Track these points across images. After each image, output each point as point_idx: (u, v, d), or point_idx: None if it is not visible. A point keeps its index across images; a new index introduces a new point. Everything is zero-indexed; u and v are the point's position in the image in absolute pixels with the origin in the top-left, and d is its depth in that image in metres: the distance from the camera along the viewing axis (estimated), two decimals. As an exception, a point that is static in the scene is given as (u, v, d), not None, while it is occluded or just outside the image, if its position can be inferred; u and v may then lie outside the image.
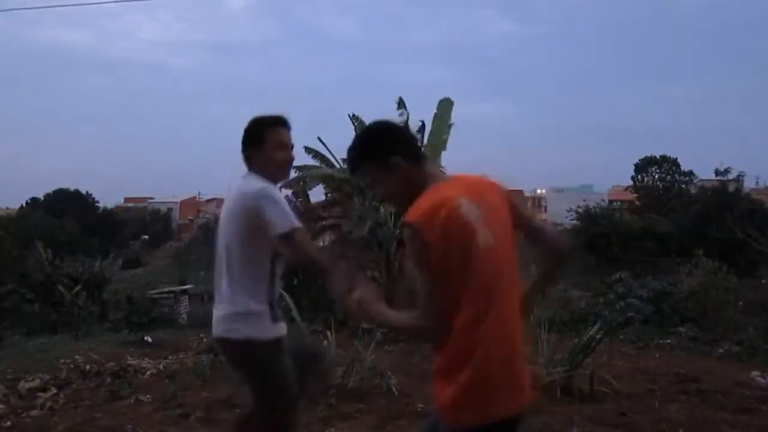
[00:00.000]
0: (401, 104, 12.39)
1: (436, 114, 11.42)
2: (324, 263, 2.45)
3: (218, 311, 2.61)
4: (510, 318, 1.77)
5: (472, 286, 1.71)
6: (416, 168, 1.89)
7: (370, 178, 1.95)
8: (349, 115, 12.39)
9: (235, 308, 2.54)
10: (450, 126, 11.24)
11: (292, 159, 2.68)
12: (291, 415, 2.70)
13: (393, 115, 12.25)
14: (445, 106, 11.60)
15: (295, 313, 5.59)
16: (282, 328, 2.62)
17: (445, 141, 11.10)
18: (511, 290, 1.80)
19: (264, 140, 2.60)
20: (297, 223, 2.45)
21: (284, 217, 2.43)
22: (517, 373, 1.77)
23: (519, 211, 1.92)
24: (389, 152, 1.87)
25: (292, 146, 2.68)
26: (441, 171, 1.76)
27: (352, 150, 1.96)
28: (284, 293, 6.07)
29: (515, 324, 1.79)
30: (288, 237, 2.41)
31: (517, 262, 1.85)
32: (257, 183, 2.52)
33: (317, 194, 12.18)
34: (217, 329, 2.59)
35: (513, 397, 1.76)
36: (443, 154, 10.97)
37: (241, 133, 2.66)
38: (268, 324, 2.54)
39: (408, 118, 12.49)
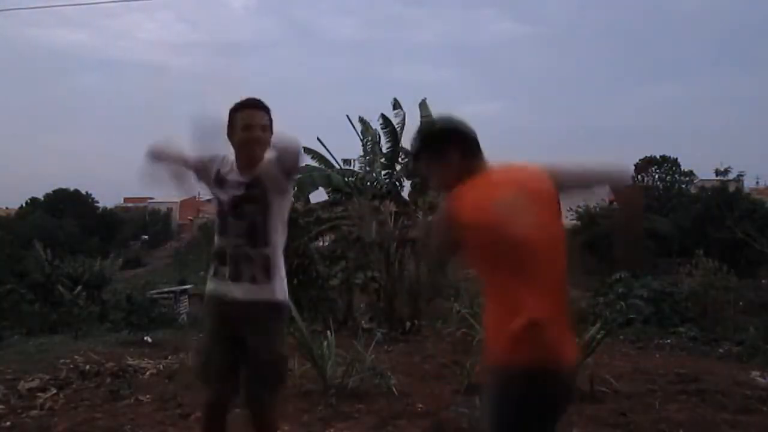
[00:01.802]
0: (397, 105, 12.42)
1: (421, 115, 11.63)
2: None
3: None
4: (550, 291, 1.88)
5: (507, 264, 1.87)
6: (469, 160, 2.05)
7: (426, 168, 2.14)
8: (348, 116, 12.41)
9: None
10: None
11: (254, 138, 2.62)
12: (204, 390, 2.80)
13: (389, 116, 12.27)
14: (423, 106, 11.88)
15: (295, 312, 5.58)
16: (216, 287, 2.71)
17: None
18: (553, 266, 1.93)
19: (234, 126, 2.64)
20: None
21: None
22: (560, 334, 1.88)
23: (565, 178, 2.06)
24: (446, 147, 2.05)
25: (264, 126, 2.65)
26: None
27: (413, 144, 2.18)
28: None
29: (556, 297, 1.91)
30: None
31: (562, 240, 2.01)
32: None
33: (318, 195, 12.17)
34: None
35: (559, 353, 1.85)
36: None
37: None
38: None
39: (404, 118, 12.51)
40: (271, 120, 2.69)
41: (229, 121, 2.66)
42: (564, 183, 2.05)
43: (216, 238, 2.75)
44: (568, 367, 1.88)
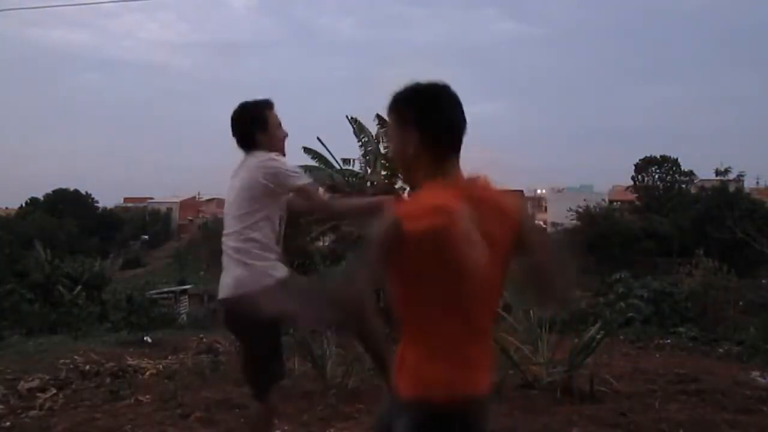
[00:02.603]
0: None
1: None
2: (332, 207, 3.30)
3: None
4: (481, 335, 1.74)
5: (447, 299, 1.65)
6: (431, 151, 1.67)
7: (388, 131, 1.97)
8: (347, 116, 12.40)
9: None
10: None
11: (285, 136, 2.94)
12: None
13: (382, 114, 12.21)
14: None
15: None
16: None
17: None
18: (487, 307, 1.74)
19: (267, 122, 2.86)
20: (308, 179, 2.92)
21: (299, 175, 2.84)
22: (481, 365, 1.72)
23: (526, 231, 1.74)
24: (409, 122, 1.68)
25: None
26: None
27: (394, 94, 1.75)
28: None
29: (485, 342, 1.76)
30: (303, 189, 2.82)
31: (502, 280, 1.74)
32: (268, 154, 2.81)
33: (317, 195, 12.16)
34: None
35: (478, 378, 1.70)
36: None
37: (238, 119, 2.87)
38: None
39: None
40: None
41: (261, 117, 2.86)
42: (524, 237, 1.72)
43: (273, 234, 2.84)
44: (482, 390, 1.72)
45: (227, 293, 2.71)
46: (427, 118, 1.67)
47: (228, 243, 2.76)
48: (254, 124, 2.83)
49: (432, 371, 1.64)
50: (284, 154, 2.92)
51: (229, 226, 2.79)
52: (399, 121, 1.71)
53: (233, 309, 2.75)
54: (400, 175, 2.25)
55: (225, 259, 2.76)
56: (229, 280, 2.71)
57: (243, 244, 2.70)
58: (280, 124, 2.91)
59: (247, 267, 2.68)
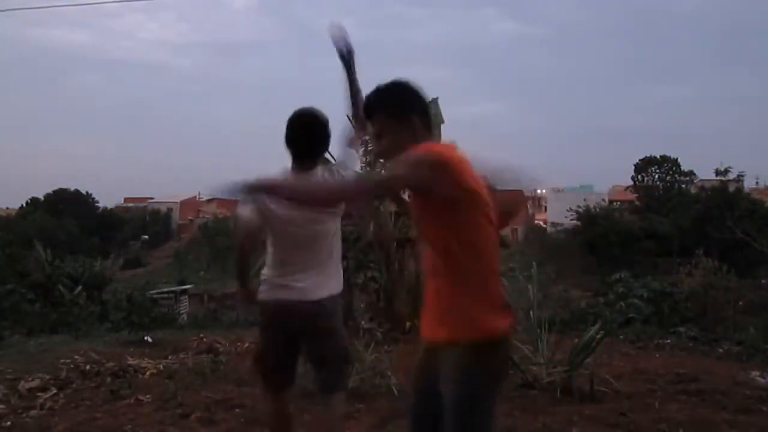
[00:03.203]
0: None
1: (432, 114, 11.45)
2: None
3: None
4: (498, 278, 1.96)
5: (481, 237, 1.85)
6: (426, 134, 1.95)
7: (379, 129, 1.97)
8: (348, 116, 12.36)
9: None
10: (440, 125, 11.30)
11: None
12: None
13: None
14: (434, 105, 11.68)
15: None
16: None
17: (438, 140, 11.17)
18: (497, 250, 1.95)
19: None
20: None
21: None
22: (505, 304, 1.97)
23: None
24: (409, 110, 1.94)
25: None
26: None
27: (371, 97, 2.00)
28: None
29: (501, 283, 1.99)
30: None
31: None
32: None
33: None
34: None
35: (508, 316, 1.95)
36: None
37: (307, 130, 2.89)
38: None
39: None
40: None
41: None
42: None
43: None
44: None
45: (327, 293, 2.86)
46: (419, 107, 1.97)
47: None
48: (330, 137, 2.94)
49: (482, 312, 1.84)
50: None
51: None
52: (394, 118, 1.93)
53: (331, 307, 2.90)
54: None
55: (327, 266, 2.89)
56: (334, 284, 2.91)
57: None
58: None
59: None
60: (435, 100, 12.37)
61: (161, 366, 6.13)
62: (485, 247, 1.86)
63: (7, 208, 50.72)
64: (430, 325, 1.96)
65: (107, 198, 66.30)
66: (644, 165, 43.91)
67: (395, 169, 1.81)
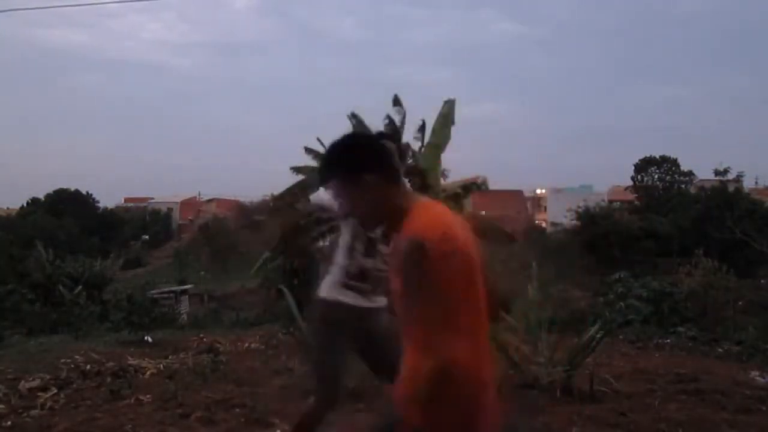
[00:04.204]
0: (397, 102, 12.34)
1: (440, 114, 11.37)
2: None
3: None
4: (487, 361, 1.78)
5: (468, 319, 1.69)
6: (391, 188, 1.78)
7: (336, 193, 1.84)
8: (348, 115, 12.38)
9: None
10: (451, 126, 11.22)
11: None
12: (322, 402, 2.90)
13: (390, 113, 12.20)
14: (449, 106, 11.56)
15: (295, 312, 5.59)
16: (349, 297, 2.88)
17: (447, 141, 11.08)
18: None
19: None
20: None
21: None
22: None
23: None
24: (360, 169, 1.77)
25: None
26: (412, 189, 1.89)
27: (323, 159, 1.90)
28: (285, 291, 6.09)
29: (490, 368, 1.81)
30: None
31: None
32: None
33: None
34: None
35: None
36: (443, 154, 10.93)
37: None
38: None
39: (404, 116, 12.45)
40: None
41: None
42: None
43: None
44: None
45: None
46: (374, 161, 1.78)
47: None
48: None
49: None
50: None
51: None
52: (347, 179, 1.78)
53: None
54: (378, 228, 2.21)
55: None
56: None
57: None
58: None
59: None
60: (452, 102, 12.32)
61: (161, 366, 6.14)
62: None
63: (8, 208, 50.71)
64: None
65: (107, 198, 66.32)
66: (644, 165, 43.88)
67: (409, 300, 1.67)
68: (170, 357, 6.80)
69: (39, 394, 5.00)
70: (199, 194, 64.22)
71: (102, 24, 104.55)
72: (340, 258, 2.93)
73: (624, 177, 45.58)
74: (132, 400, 4.79)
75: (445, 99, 11.63)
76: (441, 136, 11.07)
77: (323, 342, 2.94)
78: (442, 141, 11.06)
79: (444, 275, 1.63)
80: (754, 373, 5.86)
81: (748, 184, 44.49)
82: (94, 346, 7.49)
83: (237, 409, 4.42)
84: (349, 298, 2.89)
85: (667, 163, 43.59)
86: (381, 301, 2.97)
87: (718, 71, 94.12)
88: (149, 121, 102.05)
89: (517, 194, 47.41)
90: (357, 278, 2.89)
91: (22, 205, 48.94)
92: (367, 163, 1.78)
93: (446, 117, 11.38)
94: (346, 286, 2.89)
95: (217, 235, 39.26)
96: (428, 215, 1.72)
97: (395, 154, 1.90)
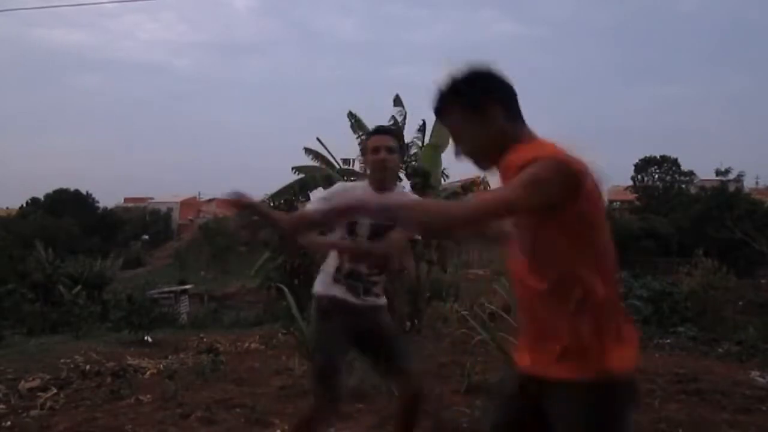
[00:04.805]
0: (398, 101, 12.36)
1: None
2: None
3: None
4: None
5: (605, 255, 1.59)
6: (513, 123, 1.65)
7: (456, 127, 1.69)
8: (347, 114, 12.38)
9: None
10: None
11: (379, 160, 2.83)
12: (320, 399, 2.83)
13: (390, 113, 12.21)
14: None
15: (295, 311, 5.60)
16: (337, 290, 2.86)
17: (448, 141, 11.10)
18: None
19: (365, 150, 2.95)
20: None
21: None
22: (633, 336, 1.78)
23: None
24: (486, 99, 1.62)
25: (388, 148, 2.84)
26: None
27: (442, 90, 1.69)
28: (285, 290, 6.09)
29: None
30: None
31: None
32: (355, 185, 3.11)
33: (317, 194, 12.19)
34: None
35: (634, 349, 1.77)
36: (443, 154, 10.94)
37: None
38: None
39: (405, 116, 12.47)
40: (399, 144, 2.98)
41: (362, 148, 3.12)
42: None
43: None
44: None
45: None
46: (500, 93, 1.65)
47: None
48: (362, 152, 3.13)
49: (611, 348, 1.59)
50: (379, 180, 2.84)
51: None
52: (473, 110, 1.64)
53: None
54: (482, 164, 2.01)
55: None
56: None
57: None
58: (375, 149, 2.83)
59: None
60: None
61: (161, 366, 6.15)
62: (607, 261, 1.60)
63: (7, 208, 50.72)
64: (536, 355, 1.67)
65: (107, 198, 66.37)
66: (644, 165, 43.90)
67: (515, 188, 1.48)
68: (170, 357, 6.81)
69: (39, 394, 5.00)
70: (199, 194, 64.26)
71: (101, 24, 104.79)
72: (332, 254, 2.93)
73: (624, 177, 45.65)
74: (132, 400, 4.79)
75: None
76: (440, 136, 11.09)
77: (321, 340, 2.92)
78: (445, 141, 11.07)
79: (585, 206, 1.51)
80: (754, 373, 5.85)
81: (748, 184, 44.60)
82: (94, 346, 7.49)
83: (237, 409, 4.42)
84: (341, 293, 2.86)
85: (667, 163, 43.62)
86: (378, 301, 2.95)
87: (719, 71, 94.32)
88: (149, 121, 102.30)
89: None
90: (350, 276, 2.87)
91: (22, 205, 48.97)
92: (492, 93, 1.64)
93: None
94: (339, 282, 2.88)
95: (217, 235, 39.29)
96: (548, 145, 1.61)
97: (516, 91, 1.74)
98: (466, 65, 1.68)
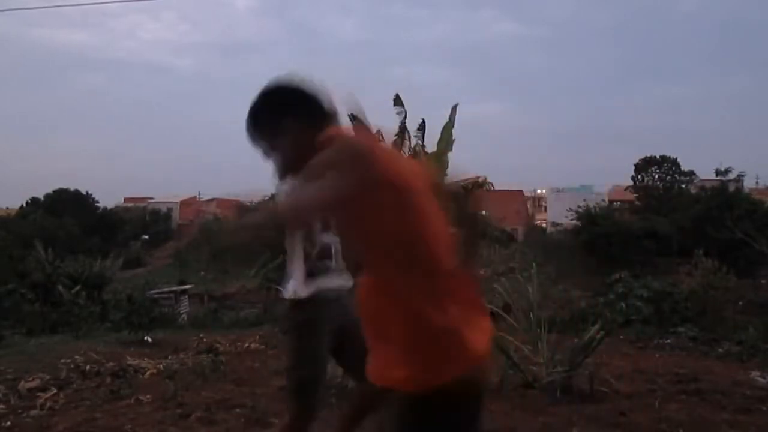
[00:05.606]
0: (398, 101, 12.33)
1: (449, 120, 11.47)
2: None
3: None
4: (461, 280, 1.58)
5: (420, 239, 1.48)
6: (312, 130, 1.59)
7: (267, 153, 1.67)
8: (349, 116, 12.35)
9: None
10: (451, 129, 11.30)
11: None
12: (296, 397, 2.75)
13: (391, 113, 12.20)
14: (453, 112, 11.66)
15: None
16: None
17: (452, 144, 11.17)
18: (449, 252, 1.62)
19: None
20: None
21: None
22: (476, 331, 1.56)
23: None
24: (279, 117, 1.61)
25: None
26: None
27: (246, 122, 1.70)
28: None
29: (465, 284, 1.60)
30: None
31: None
32: None
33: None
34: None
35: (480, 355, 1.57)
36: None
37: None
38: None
39: (406, 115, 12.43)
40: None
41: None
42: None
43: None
44: (483, 366, 1.55)
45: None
46: (299, 105, 1.63)
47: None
48: None
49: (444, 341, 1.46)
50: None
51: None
52: (271, 126, 1.64)
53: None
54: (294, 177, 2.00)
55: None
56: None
57: None
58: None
59: None
60: (454, 107, 12.34)
61: (161, 366, 6.14)
62: (436, 248, 1.49)
63: (7, 208, 50.67)
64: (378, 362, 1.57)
65: (107, 198, 66.22)
66: (644, 165, 43.84)
67: (307, 187, 1.44)
68: (170, 357, 6.81)
69: (39, 394, 5.00)
70: (199, 194, 64.24)
71: (102, 24, 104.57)
72: (296, 255, 2.78)
73: (624, 177, 45.58)
74: (132, 400, 4.79)
75: (454, 105, 11.71)
76: (447, 140, 11.09)
77: (303, 354, 2.74)
78: (448, 144, 11.08)
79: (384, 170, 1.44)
80: (754, 373, 5.85)
81: (748, 184, 44.51)
82: (94, 346, 7.49)
83: (237, 409, 4.42)
84: (315, 287, 2.73)
85: (667, 163, 43.56)
86: (347, 281, 2.79)
87: (719, 71, 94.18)
88: (149, 121, 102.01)
89: (517, 194, 47.39)
90: (320, 256, 2.75)
91: (22, 205, 48.93)
92: (290, 108, 1.63)
93: (452, 121, 11.48)
94: (312, 274, 2.74)
95: (217, 235, 39.23)
96: (342, 135, 1.57)
97: (322, 94, 1.68)
98: (259, 88, 1.68)
